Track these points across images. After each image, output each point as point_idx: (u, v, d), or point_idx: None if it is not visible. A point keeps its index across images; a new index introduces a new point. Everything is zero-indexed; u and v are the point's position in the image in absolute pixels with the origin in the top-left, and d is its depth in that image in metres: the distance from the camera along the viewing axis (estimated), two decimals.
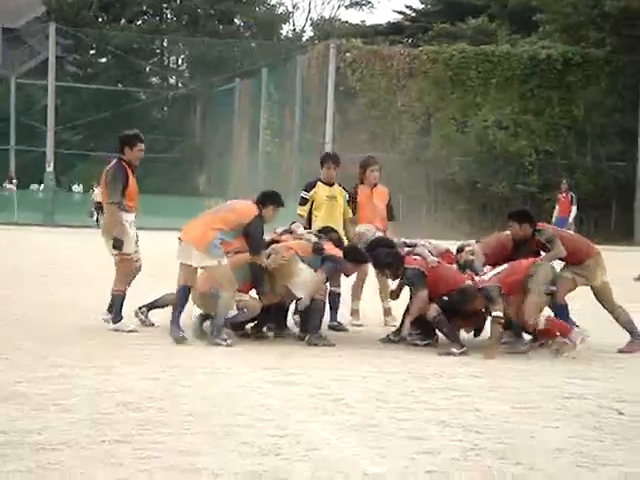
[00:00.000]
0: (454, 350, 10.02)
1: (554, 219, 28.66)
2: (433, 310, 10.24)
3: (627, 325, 10.86)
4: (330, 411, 7.07)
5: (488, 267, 10.58)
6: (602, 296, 10.86)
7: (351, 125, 45.03)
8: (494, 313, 10.02)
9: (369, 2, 77.03)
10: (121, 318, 10.87)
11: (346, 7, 78.69)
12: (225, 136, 56.07)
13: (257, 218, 10.29)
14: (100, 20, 66.43)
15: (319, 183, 11.95)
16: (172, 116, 66.70)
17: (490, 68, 45.27)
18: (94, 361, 8.80)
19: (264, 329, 10.93)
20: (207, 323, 10.51)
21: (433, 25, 57.37)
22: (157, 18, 69.88)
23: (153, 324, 11.22)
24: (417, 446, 6.12)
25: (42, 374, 8.07)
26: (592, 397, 7.96)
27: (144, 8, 69.86)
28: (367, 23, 70.80)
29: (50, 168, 45.33)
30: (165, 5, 69.80)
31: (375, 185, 12.27)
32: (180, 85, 69.56)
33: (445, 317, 10.23)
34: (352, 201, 12.10)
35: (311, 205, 11.79)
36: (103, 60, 68.20)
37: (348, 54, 45.85)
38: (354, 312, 12.24)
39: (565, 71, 45.01)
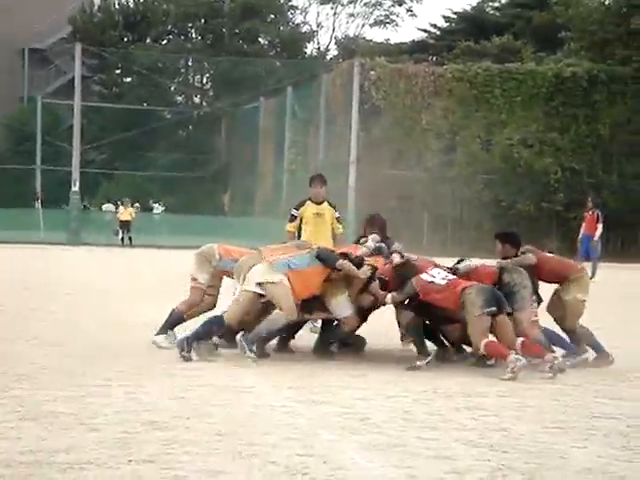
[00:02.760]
0: (418, 363, 10.07)
1: (580, 237, 28.52)
2: (406, 316, 10.36)
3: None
4: (357, 430, 7.04)
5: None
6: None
7: (376, 143, 45.02)
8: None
9: (393, 21, 77.11)
10: (164, 333, 10.93)
11: (370, 26, 78.49)
12: (249, 154, 56.20)
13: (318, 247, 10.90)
14: (125, 40, 66.73)
15: (308, 202, 12.69)
16: (197, 135, 66.89)
17: (515, 86, 45.23)
18: (121, 380, 8.81)
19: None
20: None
21: (457, 43, 57.44)
22: (182, 37, 70.19)
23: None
24: (445, 466, 6.08)
25: (69, 393, 8.09)
26: (621, 417, 7.89)
27: (169, 28, 70.20)
28: (391, 41, 70.96)
29: (76, 187, 45.55)
30: (190, 25, 70.10)
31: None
32: (205, 104, 69.77)
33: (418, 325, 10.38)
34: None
35: (301, 222, 12.49)
36: (128, 79, 68.54)
37: (372, 72, 45.89)
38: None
39: (591, 89, 44.91)
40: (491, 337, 9.94)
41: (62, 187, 50.20)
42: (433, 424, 7.35)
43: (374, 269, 10.66)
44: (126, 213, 43.29)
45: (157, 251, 38.15)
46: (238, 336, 10.24)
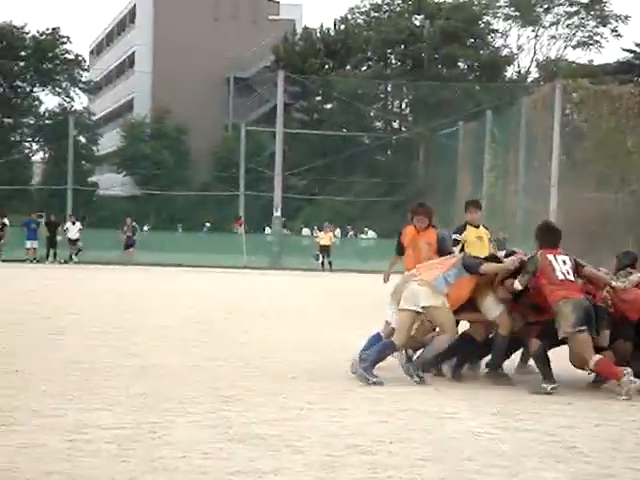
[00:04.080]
0: (544, 386, 10.00)
1: None
2: (535, 345, 10.26)
3: None
4: (563, 459, 6.91)
5: None
6: None
7: (577, 166, 44.11)
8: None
9: (597, 42, 75.51)
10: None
11: (573, 47, 77.02)
12: (448, 179, 56.07)
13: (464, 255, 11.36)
14: (326, 67, 67.87)
15: (468, 226, 12.93)
16: (395, 160, 67.26)
17: None
18: (324, 403, 8.92)
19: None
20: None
21: None
22: (381, 64, 70.76)
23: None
24: None
25: (275, 415, 8.25)
26: None
27: (369, 54, 70.98)
28: (595, 63, 69.43)
29: (278, 212, 46.46)
30: (389, 51, 70.67)
31: (424, 228, 12.36)
32: (403, 129, 70.11)
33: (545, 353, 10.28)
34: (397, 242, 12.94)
35: (462, 246, 12.64)
36: (328, 106, 69.59)
37: (575, 94, 45.07)
38: None
39: None
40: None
41: (264, 212, 51.30)
42: None
43: (522, 262, 10.74)
44: (326, 238, 43.79)
45: (356, 275, 38.45)
46: (404, 363, 10.46)
